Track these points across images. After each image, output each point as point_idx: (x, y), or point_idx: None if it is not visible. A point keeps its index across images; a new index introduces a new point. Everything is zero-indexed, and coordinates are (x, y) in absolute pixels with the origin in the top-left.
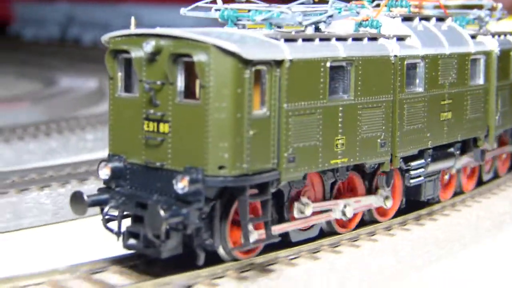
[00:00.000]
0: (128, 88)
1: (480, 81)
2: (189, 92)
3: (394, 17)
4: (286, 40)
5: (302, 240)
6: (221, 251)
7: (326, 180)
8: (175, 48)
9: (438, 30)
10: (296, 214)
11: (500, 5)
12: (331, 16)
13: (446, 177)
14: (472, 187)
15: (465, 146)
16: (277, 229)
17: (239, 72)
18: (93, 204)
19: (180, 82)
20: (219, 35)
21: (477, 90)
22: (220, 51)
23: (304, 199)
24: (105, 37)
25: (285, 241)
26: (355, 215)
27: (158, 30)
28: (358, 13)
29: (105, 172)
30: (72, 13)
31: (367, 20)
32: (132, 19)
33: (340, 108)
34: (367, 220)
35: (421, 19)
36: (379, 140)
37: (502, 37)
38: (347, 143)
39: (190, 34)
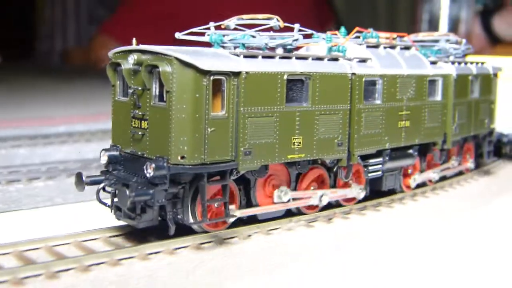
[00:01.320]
0: (124, 93)
1: (438, 97)
2: (161, 96)
3: (360, 45)
4: (246, 56)
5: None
6: (193, 225)
7: (291, 172)
8: (150, 61)
9: (400, 56)
10: (276, 199)
11: (464, 41)
12: (296, 40)
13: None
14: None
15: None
16: (241, 212)
17: (197, 80)
18: (91, 183)
19: (155, 88)
20: (190, 51)
21: (435, 104)
22: (181, 63)
23: (283, 187)
24: (109, 53)
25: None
26: None
27: (141, 47)
28: (327, 39)
29: (103, 159)
30: None
31: (335, 46)
32: (134, 40)
33: (298, 113)
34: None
35: (385, 47)
36: (336, 141)
37: (463, 65)
38: (304, 142)
39: (160, 49)
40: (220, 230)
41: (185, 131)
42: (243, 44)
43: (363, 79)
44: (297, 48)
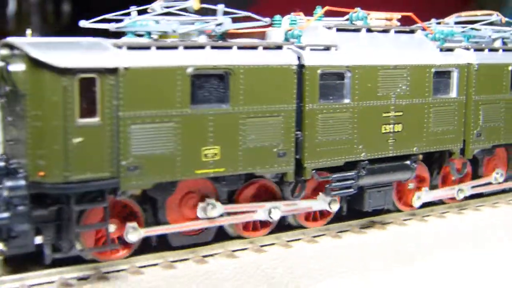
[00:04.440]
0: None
1: (453, 94)
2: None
3: (330, 28)
4: (131, 48)
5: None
6: (80, 253)
7: (219, 188)
8: (7, 57)
9: (392, 42)
10: (199, 213)
11: None
12: (220, 24)
13: (410, 186)
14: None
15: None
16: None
17: (53, 80)
18: None
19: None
20: (50, 43)
21: (446, 103)
22: (33, 60)
23: (210, 200)
24: None
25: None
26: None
27: (8, 39)
28: (291, 22)
29: None
30: None
31: (290, 30)
32: (28, 31)
33: (211, 117)
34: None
35: (371, 30)
36: (275, 150)
37: (501, 51)
38: (223, 153)
39: (16, 41)
40: (118, 258)
41: (42, 143)
42: (149, 33)
43: (318, 72)
44: (235, 36)
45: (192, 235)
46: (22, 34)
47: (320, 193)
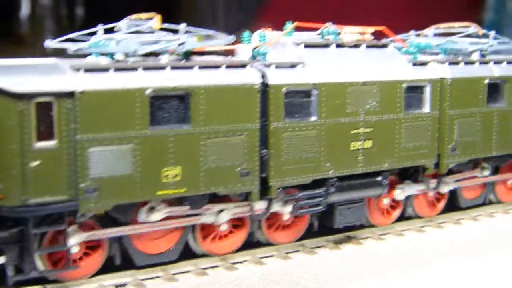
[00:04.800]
0: None
1: (426, 109)
2: None
3: (298, 44)
4: (88, 70)
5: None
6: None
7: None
8: None
9: (362, 58)
10: (141, 216)
11: (492, 33)
12: (182, 43)
13: (385, 202)
14: (435, 213)
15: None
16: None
17: (8, 105)
18: None
19: None
20: (6, 67)
21: (419, 118)
22: None
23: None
24: None
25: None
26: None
27: None
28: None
29: None
30: None
31: (257, 47)
32: None
33: (171, 138)
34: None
35: (341, 46)
36: (238, 169)
37: (477, 65)
38: (185, 174)
39: None
40: (82, 278)
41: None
42: (111, 55)
43: (282, 91)
44: (203, 54)
45: (158, 254)
46: (36, 37)
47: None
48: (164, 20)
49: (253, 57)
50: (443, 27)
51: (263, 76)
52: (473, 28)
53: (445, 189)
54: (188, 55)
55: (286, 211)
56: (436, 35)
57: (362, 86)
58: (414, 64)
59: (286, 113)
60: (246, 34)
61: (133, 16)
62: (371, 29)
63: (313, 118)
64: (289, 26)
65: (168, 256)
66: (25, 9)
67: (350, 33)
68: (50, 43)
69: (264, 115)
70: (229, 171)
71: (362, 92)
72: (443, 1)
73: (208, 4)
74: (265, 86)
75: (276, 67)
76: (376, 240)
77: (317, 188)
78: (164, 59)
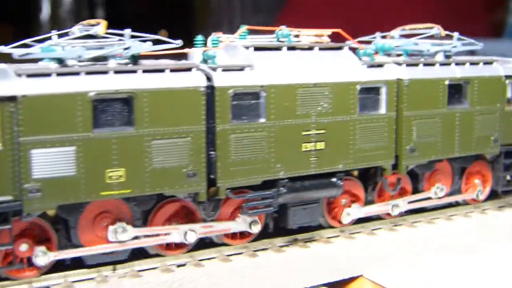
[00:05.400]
0: None
1: (381, 110)
2: None
3: (247, 47)
4: (31, 75)
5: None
6: None
7: (132, 207)
8: None
9: (315, 60)
10: (110, 237)
11: (455, 35)
12: (127, 48)
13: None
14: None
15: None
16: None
17: None
18: None
19: None
20: None
21: (375, 119)
22: None
23: (120, 224)
24: None
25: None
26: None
27: None
28: (213, 42)
29: None
30: None
31: (206, 51)
32: None
33: (114, 141)
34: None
35: (292, 48)
36: (185, 170)
37: (437, 66)
38: (129, 175)
39: None
40: (31, 276)
41: None
42: (59, 60)
43: (229, 93)
44: (151, 58)
45: (108, 254)
46: None
47: (240, 214)
48: (179, 24)
49: (204, 61)
50: (408, 28)
51: (209, 79)
52: (436, 29)
53: (396, 212)
54: (135, 59)
55: None
56: (402, 36)
57: (313, 88)
58: (371, 66)
59: (233, 115)
60: (198, 37)
61: (84, 22)
62: (328, 31)
63: (261, 120)
64: (242, 29)
65: (117, 257)
66: (46, 11)
67: (306, 35)
68: (4, 49)
69: (211, 117)
70: (175, 172)
71: (314, 94)
72: (468, 3)
73: (225, 6)
74: (211, 88)
75: (223, 70)
76: (325, 243)
77: (266, 189)
78: (111, 64)
